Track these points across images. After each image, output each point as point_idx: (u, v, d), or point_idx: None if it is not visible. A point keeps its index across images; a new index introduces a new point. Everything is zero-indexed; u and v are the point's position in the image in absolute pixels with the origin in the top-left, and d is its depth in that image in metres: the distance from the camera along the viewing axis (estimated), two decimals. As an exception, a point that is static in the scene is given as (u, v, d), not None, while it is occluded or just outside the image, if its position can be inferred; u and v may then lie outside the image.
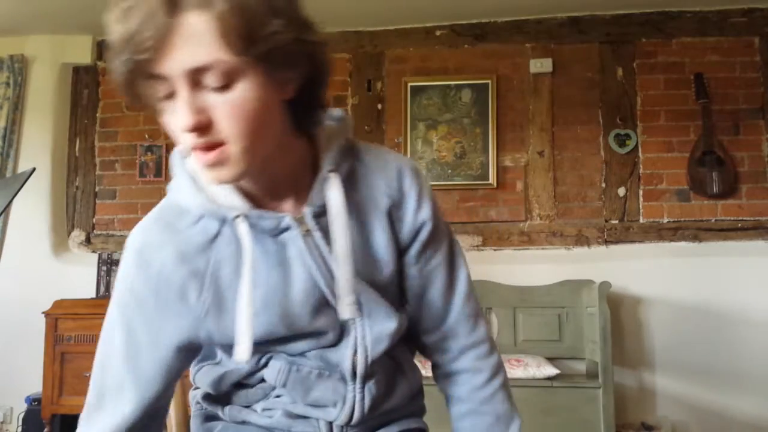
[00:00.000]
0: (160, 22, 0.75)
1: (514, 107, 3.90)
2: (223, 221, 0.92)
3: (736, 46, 3.79)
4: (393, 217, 0.99)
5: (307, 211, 0.93)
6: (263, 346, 0.97)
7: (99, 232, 4.18)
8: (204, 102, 0.79)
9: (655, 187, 3.77)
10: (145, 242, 0.93)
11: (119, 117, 4.22)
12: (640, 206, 3.77)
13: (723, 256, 3.63)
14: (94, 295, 3.76)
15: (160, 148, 4.13)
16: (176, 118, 0.80)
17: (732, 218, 3.69)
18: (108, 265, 3.78)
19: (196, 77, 0.78)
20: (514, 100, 3.91)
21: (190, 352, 0.98)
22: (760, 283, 3.54)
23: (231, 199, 0.92)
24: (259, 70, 0.80)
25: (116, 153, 4.20)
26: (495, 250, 3.81)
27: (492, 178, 3.85)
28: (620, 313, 3.58)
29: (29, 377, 3.72)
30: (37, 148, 4.12)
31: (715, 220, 3.71)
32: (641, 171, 3.78)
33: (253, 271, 0.90)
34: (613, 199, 3.79)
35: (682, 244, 3.71)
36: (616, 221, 3.77)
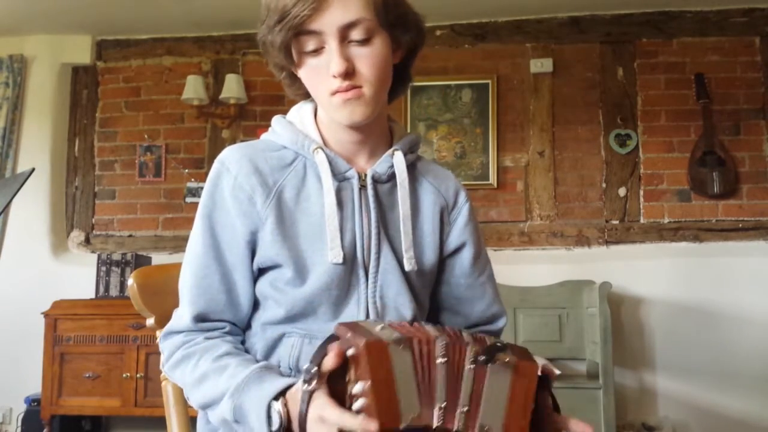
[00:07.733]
0: None
1: (515, 107, 3.90)
2: (297, 156, 1.09)
3: (737, 46, 3.78)
4: (443, 219, 1.15)
5: (369, 172, 1.09)
6: (282, 325, 1.06)
7: (98, 233, 4.17)
8: (349, 53, 1.00)
9: (655, 188, 3.76)
10: (228, 155, 1.09)
11: (118, 117, 4.21)
12: (641, 206, 3.76)
13: (724, 257, 3.62)
14: (93, 296, 3.73)
15: (160, 148, 4.12)
16: (327, 66, 0.99)
17: (733, 218, 3.69)
18: (107, 266, 3.75)
19: (344, 32, 0.98)
20: (514, 100, 3.90)
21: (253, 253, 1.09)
22: (761, 283, 3.53)
23: (315, 137, 1.10)
24: (387, 32, 1.03)
25: (115, 153, 4.20)
26: (495, 250, 3.80)
27: (492, 179, 3.84)
28: (621, 313, 3.58)
29: (28, 378, 3.71)
30: (37, 148, 4.11)
31: (716, 221, 3.70)
32: (642, 171, 3.77)
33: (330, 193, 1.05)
34: (613, 200, 3.79)
35: (683, 244, 3.71)
36: (617, 221, 3.77)
